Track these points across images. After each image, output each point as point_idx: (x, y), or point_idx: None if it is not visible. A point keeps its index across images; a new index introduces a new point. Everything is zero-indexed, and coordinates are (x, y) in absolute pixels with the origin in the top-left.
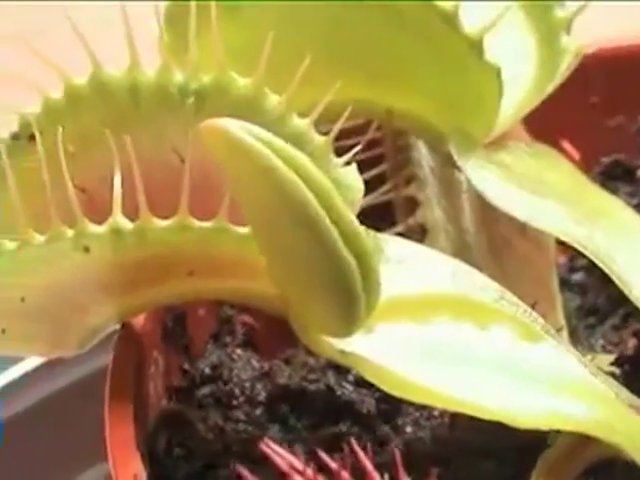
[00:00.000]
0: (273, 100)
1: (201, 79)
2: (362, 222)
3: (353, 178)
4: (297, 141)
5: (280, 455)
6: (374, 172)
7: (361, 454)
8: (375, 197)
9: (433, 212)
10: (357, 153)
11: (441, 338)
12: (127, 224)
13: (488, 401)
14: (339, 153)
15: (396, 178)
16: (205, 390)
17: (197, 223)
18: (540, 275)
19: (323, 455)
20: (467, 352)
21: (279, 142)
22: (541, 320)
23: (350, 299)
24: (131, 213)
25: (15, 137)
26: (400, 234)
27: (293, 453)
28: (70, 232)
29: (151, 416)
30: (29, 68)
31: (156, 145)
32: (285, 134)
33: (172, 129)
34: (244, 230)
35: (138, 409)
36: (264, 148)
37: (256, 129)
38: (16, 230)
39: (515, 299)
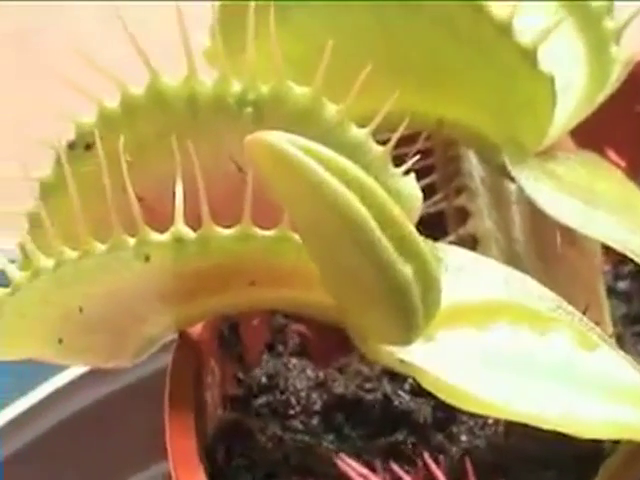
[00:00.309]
0: (331, 109)
1: (259, 89)
2: (418, 232)
3: (411, 187)
4: (355, 151)
5: (356, 470)
6: (425, 182)
7: (433, 466)
8: (426, 207)
9: (484, 222)
10: (409, 163)
11: (499, 345)
12: (189, 233)
13: (548, 411)
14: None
15: (447, 188)
16: (262, 400)
17: (260, 232)
18: (589, 283)
19: (396, 468)
20: (525, 360)
21: (329, 154)
22: (597, 329)
23: (407, 312)
24: (190, 223)
25: (71, 146)
26: (452, 244)
27: (370, 468)
28: (132, 241)
29: (209, 426)
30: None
31: (213, 155)
32: (343, 144)
33: (229, 139)
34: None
35: (198, 418)
36: (312, 161)
37: (304, 141)
38: (73, 239)
39: (571, 308)
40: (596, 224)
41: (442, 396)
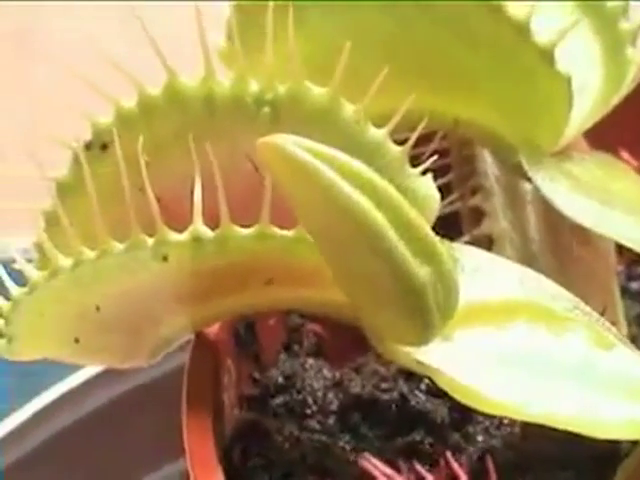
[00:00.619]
0: (349, 110)
1: (276, 89)
2: (434, 232)
3: (429, 188)
4: (373, 151)
5: (380, 470)
6: (440, 182)
7: (456, 466)
8: (442, 207)
9: (499, 222)
10: (424, 163)
11: (516, 345)
12: (208, 232)
13: (563, 412)
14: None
15: (462, 188)
16: (279, 400)
17: (278, 232)
18: (604, 283)
19: (419, 468)
20: (542, 359)
21: (341, 157)
22: (614, 329)
23: (424, 313)
24: (208, 223)
25: (88, 146)
26: (468, 244)
27: (393, 467)
28: (150, 240)
29: (226, 426)
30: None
31: (230, 154)
32: (361, 144)
33: (246, 139)
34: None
35: (215, 419)
36: (322, 165)
37: (315, 145)
38: (91, 239)
39: (588, 308)
40: (611, 224)
41: (457, 397)
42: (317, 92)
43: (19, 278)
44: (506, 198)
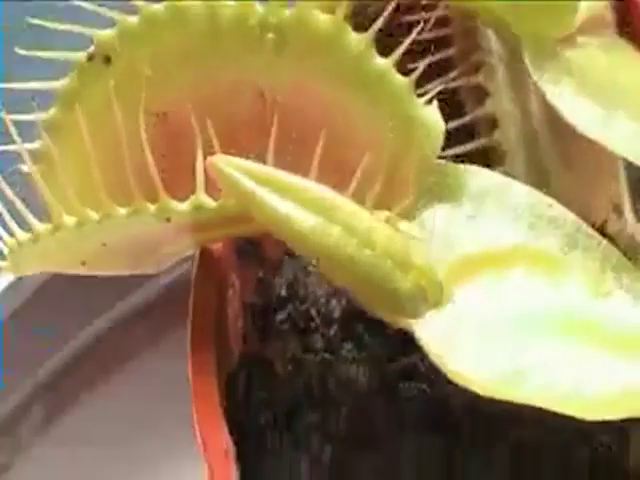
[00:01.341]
0: (354, 38)
1: (282, 14)
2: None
3: (434, 116)
4: (378, 81)
5: None
6: (442, 56)
7: None
8: (444, 83)
9: (502, 102)
10: (423, 32)
11: (512, 304)
12: (209, 202)
13: (558, 391)
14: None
15: (464, 64)
16: (282, 315)
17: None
18: (607, 164)
19: None
20: (538, 319)
21: (281, 177)
22: (616, 252)
23: (408, 311)
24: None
25: (90, 58)
26: (469, 125)
27: None
28: (152, 207)
29: (232, 343)
30: None
31: (235, 79)
32: (366, 73)
33: (252, 65)
34: None
35: (218, 330)
36: (258, 187)
37: (255, 168)
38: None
39: (590, 230)
40: (615, 135)
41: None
42: (322, 18)
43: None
44: (509, 76)
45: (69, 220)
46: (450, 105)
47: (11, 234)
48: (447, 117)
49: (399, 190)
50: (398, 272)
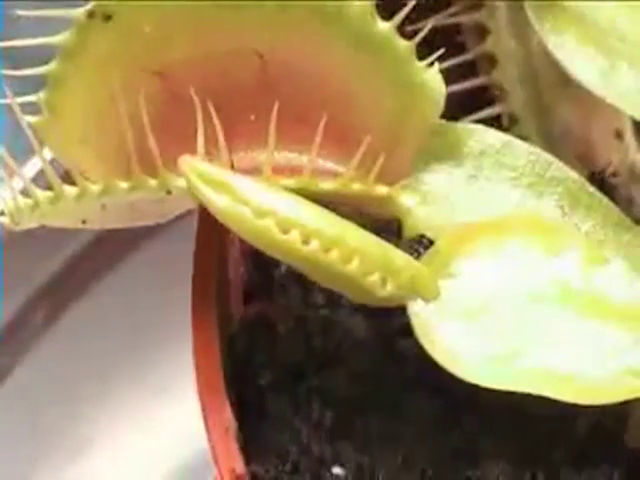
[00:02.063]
0: (356, 1)
1: None
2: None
3: (436, 80)
4: (381, 45)
5: None
6: None
7: None
8: (443, 19)
9: (503, 41)
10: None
11: (509, 279)
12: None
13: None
14: None
15: (465, 1)
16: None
17: (281, 181)
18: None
19: None
20: (534, 294)
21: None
22: (616, 210)
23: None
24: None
25: (90, 15)
26: (470, 62)
27: None
28: (153, 182)
29: (232, 304)
30: None
31: (236, 40)
32: (369, 38)
33: (253, 28)
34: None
35: (220, 296)
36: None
37: (217, 173)
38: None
39: (592, 189)
40: (617, 89)
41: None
42: None
43: None
44: (510, 13)
45: (69, 191)
46: (451, 43)
47: (12, 197)
48: (448, 55)
49: (401, 154)
50: (374, 281)
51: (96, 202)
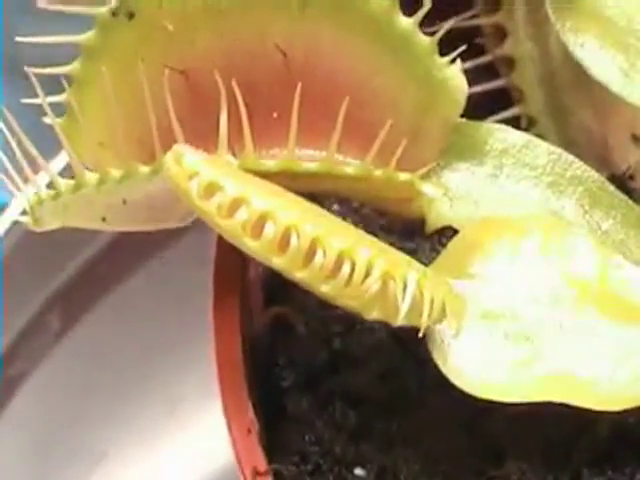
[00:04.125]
0: None
1: None
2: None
3: (457, 77)
4: (402, 42)
5: None
6: None
7: None
8: (462, 21)
9: (521, 43)
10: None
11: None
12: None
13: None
14: None
15: (484, 3)
16: None
17: (303, 164)
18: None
19: None
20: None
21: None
22: (636, 209)
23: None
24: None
25: (114, 13)
26: (488, 65)
27: None
28: None
29: (254, 303)
30: None
31: (260, 39)
32: (390, 34)
33: (276, 23)
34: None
35: (241, 296)
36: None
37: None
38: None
39: (612, 188)
40: (636, 89)
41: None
42: None
43: None
44: (528, 14)
45: (91, 177)
46: (470, 45)
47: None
48: (467, 56)
49: (422, 151)
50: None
51: (117, 191)
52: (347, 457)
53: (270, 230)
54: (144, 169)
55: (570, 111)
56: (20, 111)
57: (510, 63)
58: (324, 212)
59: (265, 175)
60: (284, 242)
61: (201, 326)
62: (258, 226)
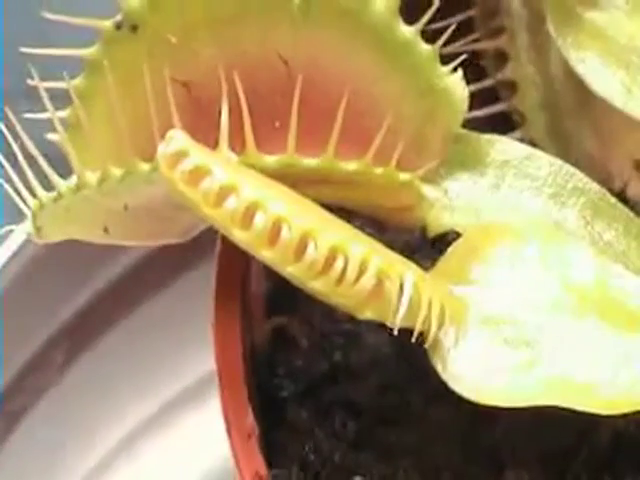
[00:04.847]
0: (380, 6)
1: None
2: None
3: (459, 87)
4: (404, 50)
5: None
6: (463, 18)
7: None
8: (464, 45)
9: (523, 67)
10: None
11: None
12: (232, 157)
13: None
14: None
15: (485, 27)
16: None
17: (304, 161)
18: (628, 127)
19: None
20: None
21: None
22: (637, 222)
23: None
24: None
25: (118, 26)
26: (490, 89)
27: None
28: None
29: (255, 314)
30: None
31: (260, 47)
32: (392, 42)
33: (278, 31)
34: (350, 166)
35: (242, 305)
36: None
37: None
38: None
39: (613, 200)
40: (638, 103)
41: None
42: None
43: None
44: (530, 38)
45: (92, 176)
46: (472, 69)
47: (34, 195)
48: (469, 81)
49: (422, 158)
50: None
51: (118, 193)
52: (346, 466)
53: (260, 220)
54: (144, 166)
55: (571, 136)
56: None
57: (512, 87)
58: (318, 207)
59: None
60: (274, 234)
61: (206, 361)
62: (248, 216)
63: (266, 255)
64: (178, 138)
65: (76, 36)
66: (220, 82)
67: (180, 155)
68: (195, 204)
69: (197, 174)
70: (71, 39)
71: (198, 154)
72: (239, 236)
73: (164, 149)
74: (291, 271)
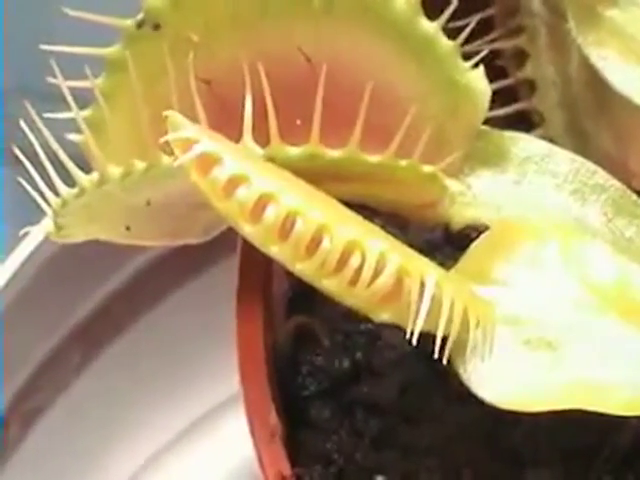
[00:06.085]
0: (402, 1)
1: None
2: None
3: (480, 82)
4: (425, 45)
5: None
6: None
7: None
8: (483, 44)
9: (542, 66)
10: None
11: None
12: (256, 149)
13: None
14: None
15: (506, 26)
16: None
17: (328, 152)
18: None
19: None
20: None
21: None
22: None
23: None
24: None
25: (140, 24)
26: (510, 88)
27: None
28: None
29: (277, 313)
30: None
31: (283, 44)
32: (413, 37)
33: (300, 28)
34: (374, 158)
35: (265, 305)
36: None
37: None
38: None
39: (635, 197)
40: None
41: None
42: None
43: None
44: (550, 38)
45: (114, 171)
46: (492, 68)
47: (57, 194)
48: (489, 80)
49: (444, 154)
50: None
51: (140, 188)
52: (369, 465)
53: (271, 213)
54: (167, 159)
55: (590, 136)
56: None
57: (531, 86)
58: (335, 202)
59: None
60: (286, 229)
61: (225, 360)
62: (258, 209)
63: (275, 251)
64: (191, 127)
65: (78, 36)
66: (242, 79)
67: (191, 141)
68: (205, 193)
69: (206, 161)
70: (73, 39)
71: (208, 142)
72: (247, 230)
73: (176, 137)
74: (301, 268)
